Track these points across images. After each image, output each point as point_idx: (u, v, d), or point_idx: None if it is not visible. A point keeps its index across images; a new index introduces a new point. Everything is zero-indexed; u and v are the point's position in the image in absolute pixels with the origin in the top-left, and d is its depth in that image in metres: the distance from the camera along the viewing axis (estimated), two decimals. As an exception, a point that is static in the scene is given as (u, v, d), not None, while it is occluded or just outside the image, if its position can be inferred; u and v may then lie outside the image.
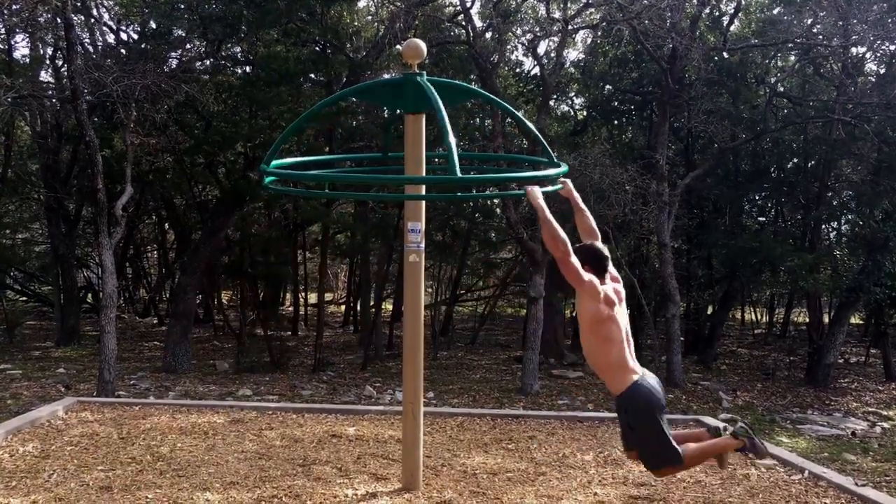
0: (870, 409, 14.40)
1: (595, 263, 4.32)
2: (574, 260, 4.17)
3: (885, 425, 12.98)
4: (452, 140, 4.34)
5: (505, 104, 6.08)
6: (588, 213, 4.77)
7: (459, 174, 4.31)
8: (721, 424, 4.68)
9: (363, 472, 6.12)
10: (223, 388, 13.83)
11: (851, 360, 20.28)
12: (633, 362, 4.31)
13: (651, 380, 4.36)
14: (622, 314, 4.35)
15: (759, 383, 16.52)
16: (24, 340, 18.83)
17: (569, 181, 4.93)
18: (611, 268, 4.45)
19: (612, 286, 4.38)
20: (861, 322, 24.67)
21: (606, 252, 4.43)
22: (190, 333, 16.02)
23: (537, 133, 5.43)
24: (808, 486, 6.05)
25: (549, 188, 4.88)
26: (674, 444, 4.24)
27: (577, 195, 4.85)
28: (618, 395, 4.31)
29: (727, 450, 4.43)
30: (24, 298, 24.88)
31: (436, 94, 4.60)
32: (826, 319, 19.11)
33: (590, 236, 4.66)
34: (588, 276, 4.21)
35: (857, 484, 6.30)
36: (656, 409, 4.23)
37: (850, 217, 19.36)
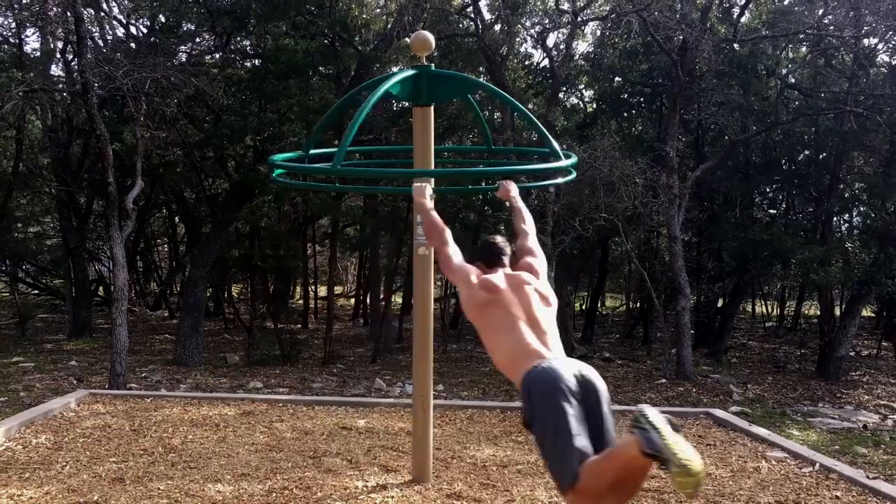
0: (881, 402, 14.35)
1: (486, 254, 4.02)
2: (449, 250, 4.03)
3: (897, 418, 12.93)
4: (542, 129, 4.38)
5: (508, 96, 6.07)
6: (524, 215, 4.54)
7: (562, 159, 4.32)
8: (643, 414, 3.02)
9: (373, 464, 6.14)
10: (234, 381, 13.89)
11: (863, 353, 20.19)
12: (539, 349, 3.52)
13: (547, 369, 3.36)
14: (521, 301, 3.73)
15: (769, 376, 16.47)
16: (36, 333, 18.95)
17: (509, 183, 4.75)
18: (528, 260, 4.12)
19: (509, 272, 3.94)
20: (872, 315, 24.55)
21: (502, 245, 4.06)
22: (201, 326, 16.09)
23: (539, 125, 5.40)
24: (819, 478, 6.03)
25: (561, 180, 4.86)
26: (576, 456, 3.16)
27: (515, 199, 4.67)
28: (518, 387, 3.51)
29: (630, 454, 3.02)
30: (36, 292, 25.03)
31: (505, 94, 4.59)
32: (837, 312, 19.02)
33: (520, 237, 4.39)
34: (458, 263, 3.97)
35: (868, 477, 6.27)
36: (549, 401, 3.25)
37: (861, 209, 19.26)
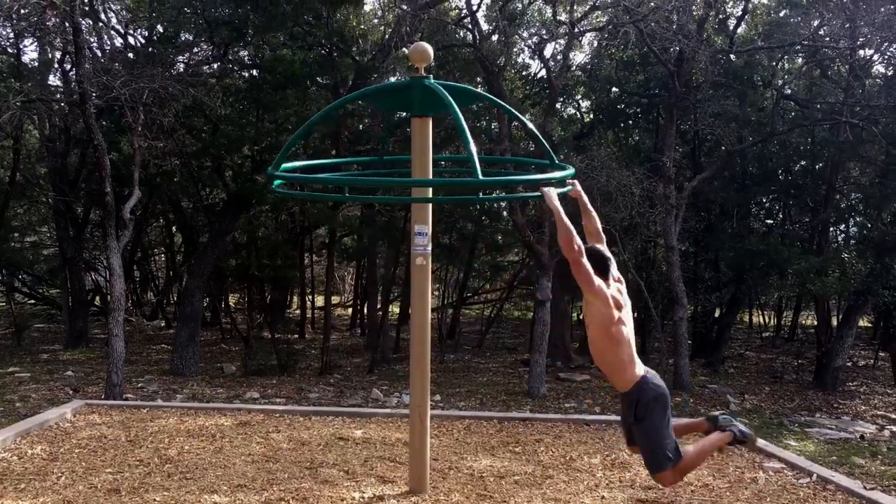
0: (878, 413, 14.34)
1: (600, 266, 4.32)
2: (587, 263, 4.18)
3: (894, 429, 12.91)
4: (472, 144, 4.36)
5: (508, 106, 6.08)
6: (595, 216, 4.78)
7: (480, 176, 4.34)
8: (718, 412, 4.88)
9: (370, 474, 6.12)
10: (230, 391, 13.85)
11: (860, 364, 20.19)
12: (638, 360, 4.40)
13: (655, 374, 4.46)
14: (628, 315, 4.41)
15: (766, 386, 16.46)
16: (32, 343, 18.90)
17: (577, 182, 4.93)
18: (614, 269, 4.47)
19: (616, 287, 4.43)
20: (869, 325, 24.57)
21: (609, 254, 4.46)
22: (197, 336, 16.05)
23: (539, 135, 5.42)
24: (817, 489, 6.03)
25: (557, 190, 4.86)
26: (674, 440, 4.32)
27: (585, 197, 4.85)
28: (626, 391, 4.34)
29: (722, 444, 4.59)
30: (33, 301, 24.97)
31: (450, 98, 4.60)
32: (834, 322, 19.04)
33: (595, 239, 4.69)
34: (598, 280, 4.23)
35: (865, 488, 6.27)
36: (666, 401, 4.33)
37: (858, 220, 19.30)
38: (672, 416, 4.44)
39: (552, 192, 4.48)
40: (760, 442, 7.37)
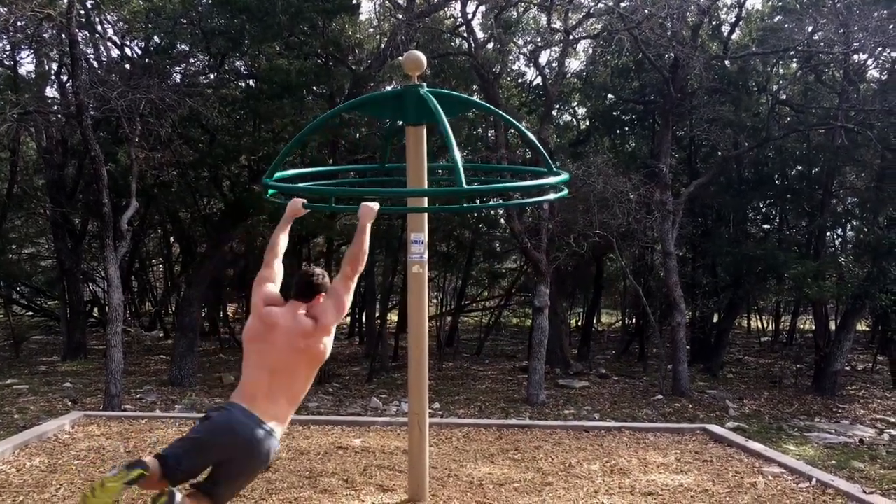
0: (877, 417, 14.35)
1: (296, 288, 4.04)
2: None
3: (893, 432, 12.92)
4: (457, 152, 4.34)
5: (504, 114, 6.10)
6: (354, 244, 4.20)
7: (465, 185, 4.29)
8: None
9: (370, 483, 6.12)
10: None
11: (858, 368, 20.21)
12: (245, 392, 3.87)
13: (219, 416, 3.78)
14: (271, 344, 3.94)
15: (765, 391, 16.47)
16: (30, 355, 18.86)
17: (373, 205, 4.35)
18: (321, 301, 4.06)
19: (289, 312, 3.99)
20: (867, 329, 24.59)
21: (314, 279, 4.06)
22: (196, 347, 16.04)
23: (536, 143, 5.43)
24: (816, 493, 6.03)
25: (553, 196, 4.87)
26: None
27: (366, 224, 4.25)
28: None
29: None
30: (31, 313, 24.94)
31: (438, 106, 4.61)
32: (832, 327, 19.06)
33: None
34: (261, 297, 4.04)
35: (865, 491, 6.27)
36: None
37: (854, 224, 19.35)
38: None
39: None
40: (759, 447, 7.38)
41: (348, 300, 4.02)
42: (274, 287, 4.12)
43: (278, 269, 4.20)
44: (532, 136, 5.71)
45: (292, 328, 3.91)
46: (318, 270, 4.11)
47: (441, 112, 4.54)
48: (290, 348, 3.90)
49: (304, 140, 14.83)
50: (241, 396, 3.83)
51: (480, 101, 6.82)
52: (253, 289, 4.11)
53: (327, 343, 3.99)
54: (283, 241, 4.32)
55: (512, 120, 5.69)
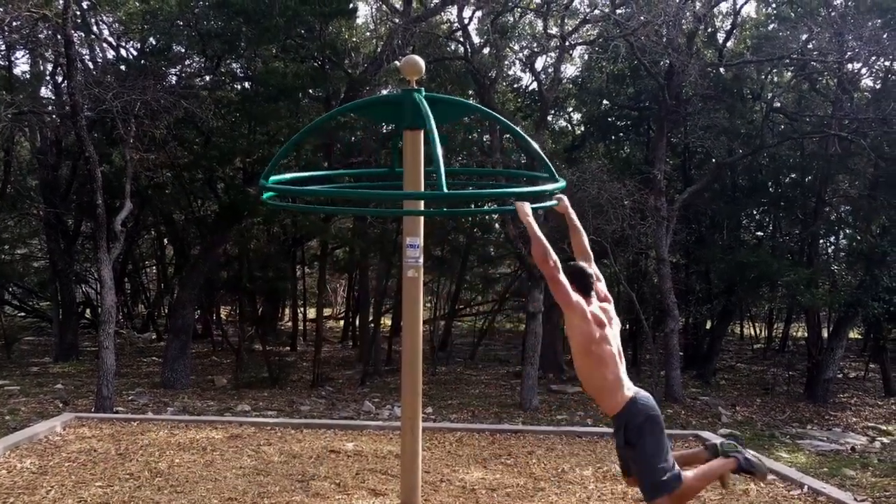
0: (869, 425, 14.38)
1: (580, 283, 4.19)
2: (564, 278, 4.08)
3: (885, 440, 12.95)
4: (441, 158, 4.32)
5: (503, 119, 6.10)
6: (582, 233, 4.61)
7: (445, 189, 4.28)
8: (718, 441, 4.48)
9: (362, 487, 6.10)
10: (222, 404, 13.79)
11: (850, 375, 20.26)
12: (626, 380, 4.17)
13: (646, 395, 4.21)
14: (613, 333, 4.23)
15: (758, 398, 16.50)
16: (22, 356, 18.78)
17: (564, 197, 4.70)
18: (601, 287, 4.39)
19: (600, 305, 4.28)
20: (860, 337, 24.66)
21: (592, 271, 4.33)
22: (188, 349, 16.00)
23: (536, 147, 5.43)
24: (808, 501, 6.04)
25: (546, 203, 4.86)
26: (673, 463, 4.08)
27: (572, 213, 4.63)
28: (615, 415, 4.14)
29: (724, 471, 4.31)
30: (23, 314, 24.83)
31: (429, 112, 4.61)
32: (825, 334, 19.12)
33: (582, 257, 4.53)
34: (576, 296, 4.10)
35: (856, 499, 6.28)
36: (658, 422, 4.09)
37: (847, 232, 19.42)
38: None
39: (525, 207, 4.35)
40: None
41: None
42: None
43: None
44: (532, 143, 5.71)
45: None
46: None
47: (430, 117, 4.54)
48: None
49: (300, 143, 14.84)
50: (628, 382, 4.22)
51: (481, 107, 6.81)
52: (568, 290, 4.13)
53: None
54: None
55: (512, 126, 5.70)
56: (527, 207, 4.35)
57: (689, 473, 4.16)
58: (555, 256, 4.09)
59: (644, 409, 4.08)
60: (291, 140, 5.76)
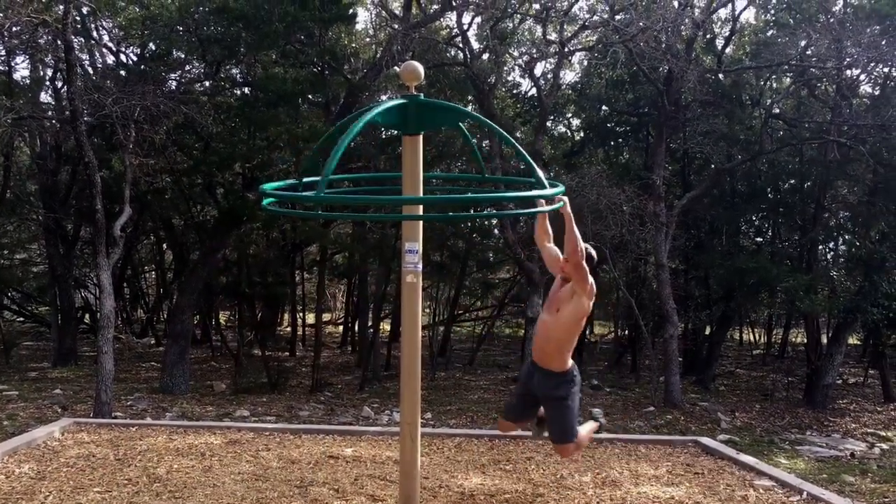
0: (868, 431, 14.37)
1: (590, 266, 4.82)
2: (586, 265, 4.71)
3: (884, 446, 12.95)
4: (535, 166, 4.45)
5: (497, 127, 6.10)
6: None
7: (547, 188, 4.36)
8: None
9: (360, 493, 6.10)
10: (220, 409, 13.78)
11: (850, 381, 20.25)
12: None
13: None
14: None
15: (757, 404, 16.49)
16: (20, 361, 18.76)
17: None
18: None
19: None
20: (859, 343, 24.66)
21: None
22: (187, 354, 15.98)
23: (526, 155, 5.43)
24: (807, 507, 6.04)
25: (548, 207, 4.88)
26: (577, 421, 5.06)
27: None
28: (562, 371, 4.94)
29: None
30: (21, 319, 24.81)
31: (492, 124, 4.68)
32: (824, 340, 19.12)
33: (568, 247, 4.92)
34: (591, 280, 4.78)
35: (855, 505, 6.27)
36: (579, 388, 5.08)
37: (846, 238, 19.44)
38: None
39: (565, 199, 4.77)
40: (751, 460, 7.38)
41: (586, 278, 4.79)
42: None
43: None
44: (522, 150, 5.71)
45: None
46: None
47: (500, 130, 4.58)
48: None
49: (301, 149, 14.88)
50: None
51: (476, 114, 6.83)
52: (588, 274, 4.81)
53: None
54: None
55: (504, 133, 5.69)
56: (566, 200, 4.75)
57: (581, 430, 5.16)
58: (583, 245, 4.72)
59: (579, 376, 5.08)
60: (320, 142, 5.67)
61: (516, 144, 5.62)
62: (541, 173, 4.63)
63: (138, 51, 17.75)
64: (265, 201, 5.09)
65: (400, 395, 5.64)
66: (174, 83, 16.38)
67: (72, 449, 7.26)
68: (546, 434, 5.21)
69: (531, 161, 4.96)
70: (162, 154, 15.09)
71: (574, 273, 4.73)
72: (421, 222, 5.55)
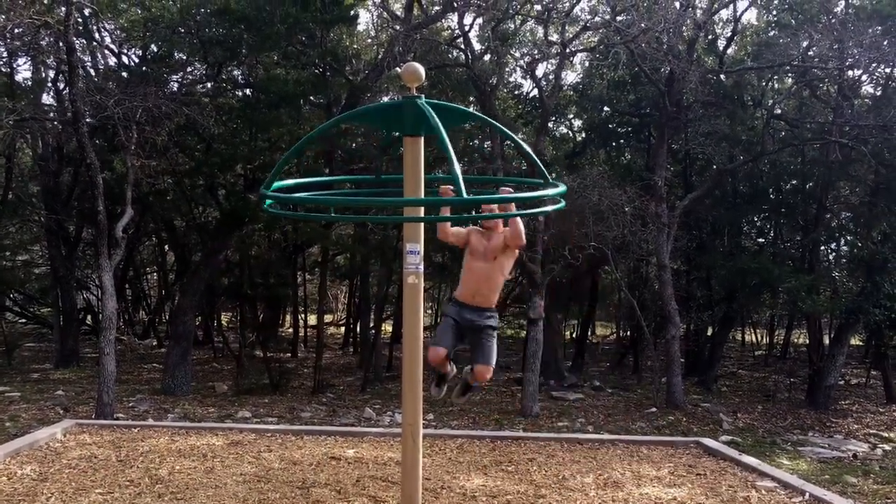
0: (871, 431, 14.35)
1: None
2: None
3: (887, 447, 12.93)
4: (456, 165, 4.32)
5: (502, 127, 6.11)
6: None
7: (465, 195, 4.30)
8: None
9: (362, 494, 6.10)
10: (222, 411, 13.78)
11: (852, 382, 20.22)
12: None
13: None
14: None
15: (759, 405, 16.47)
16: (22, 362, 18.78)
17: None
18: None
19: None
20: (861, 343, 24.63)
21: None
22: (189, 355, 15.99)
23: (531, 153, 5.44)
24: (809, 508, 6.03)
25: (551, 207, 4.87)
26: None
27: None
28: (493, 308, 5.60)
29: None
30: (24, 320, 24.83)
31: (437, 119, 4.61)
32: (826, 341, 19.09)
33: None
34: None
35: (858, 506, 6.27)
36: None
37: (848, 238, 19.41)
38: None
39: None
40: (753, 461, 7.38)
41: (522, 242, 5.55)
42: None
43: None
44: (528, 148, 5.72)
45: None
46: None
47: (440, 126, 4.53)
48: None
49: (302, 150, 14.85)
50: None
51: (479, 114, 6.83)
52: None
53: None
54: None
55: (509, 133, 5.70)
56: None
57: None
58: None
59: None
60: (293, 149, 5.75)
61: (520, 143, 5.63)
62: (544, 170, 4.64)
63: (140, 52, 17.77)
64: (265, 203, 5.09)
65: (402, 396, 5.63)
66: (176, 85, 16.39)
67: (74, 450, 7.27)
68: (445, 394, 5.84)
69: (535, 158, 4.96)
70: (164, 155, 15.10)
71: (518, 241, 5.44)
72: (422, 224, 5.55)
